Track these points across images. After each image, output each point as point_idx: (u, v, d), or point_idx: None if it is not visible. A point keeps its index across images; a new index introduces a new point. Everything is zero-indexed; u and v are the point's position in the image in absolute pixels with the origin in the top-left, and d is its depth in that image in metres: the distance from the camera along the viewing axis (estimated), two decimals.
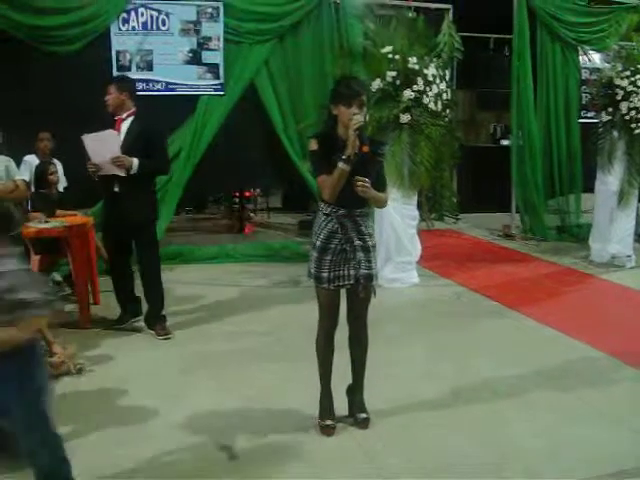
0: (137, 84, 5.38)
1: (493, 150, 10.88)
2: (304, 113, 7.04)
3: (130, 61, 6.72)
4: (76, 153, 4.54)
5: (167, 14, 6.77)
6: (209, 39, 6.90)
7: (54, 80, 6.32)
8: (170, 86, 6.87)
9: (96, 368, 4.05)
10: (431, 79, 5.85)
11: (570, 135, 8.42)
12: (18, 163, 4.98)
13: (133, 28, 6.69)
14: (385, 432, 3.27)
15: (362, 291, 3.15)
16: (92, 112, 4.71)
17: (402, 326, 4.98)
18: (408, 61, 5.79)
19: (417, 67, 5.81)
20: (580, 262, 7.20)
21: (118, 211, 4.51)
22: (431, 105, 5.87)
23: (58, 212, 5.23)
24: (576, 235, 8.34)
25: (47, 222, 4.88)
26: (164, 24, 6.78)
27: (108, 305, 5.08)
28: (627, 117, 6.80)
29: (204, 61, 6.93)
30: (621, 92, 6.79)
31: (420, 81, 5.79)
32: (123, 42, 6.69)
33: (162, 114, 5.71)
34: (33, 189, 5.35)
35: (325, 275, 3.13)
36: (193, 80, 6.91)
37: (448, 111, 6.23)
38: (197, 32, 6.87)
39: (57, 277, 5.92)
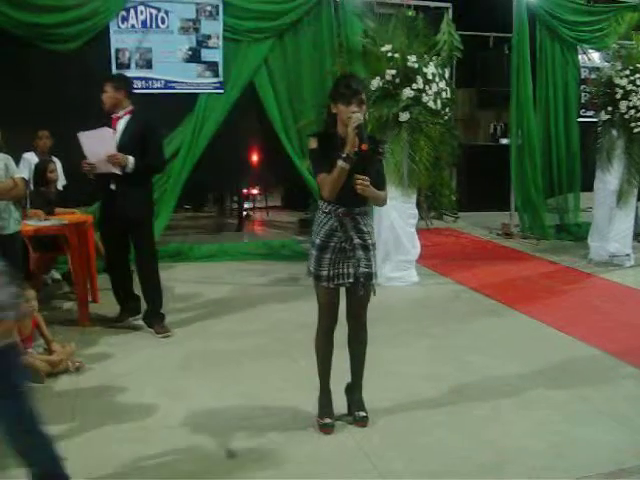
0: (136, 82, 5.40)
1: (492, 149, 10.87)
2: (303, 111, 7.03)
3: (129, 59, 6.71)
4: (75, 151, 4.53)
5: (166, 12, 6.77)
6: (208, 37, 6.90)
7: (53, 78, 6.33)
8: (169, 84, 6.86)
9: (95, 366, 4.04)
10: (430, 78, 5.84)
11: (569, 134, 8.43)
12: (17, 160, 4.97)
13: (132, 26, 6.69)
14: (384, 430, 3.27)
15: (361, 289, 3.16)
16: (91, 110, 4.72)
17: (401, 325, 4.98)
18: (408, 59, 5.78)
19: (417, 66, 5.80)
20: (579, 261, 7.20)
21: (114, 209, 4.51)
22: (430, 104, 5.86)
23: (57, 210, 5.23)
24: (575, 234, 8.36)
25: (46, 220, 4.88)
26: (163, 22, 6.78)
27: (107, 303, 5.07)
28: (626, 116, 6.80)
29: (203, 59, 6.92)
30: (620, 91, 6.79)
31: (420, 80, 5.78)
32: (122, 40, 6.69)
33: (161, 112, 5.71)
34: (32, 187, 5.34)
35: (324, 273, 3.12)
36: (192, 78, 6.91)
37: (447, 110, 6.23)
38: (196, 30, 6.86)
39: (56, 275, 5.93)
